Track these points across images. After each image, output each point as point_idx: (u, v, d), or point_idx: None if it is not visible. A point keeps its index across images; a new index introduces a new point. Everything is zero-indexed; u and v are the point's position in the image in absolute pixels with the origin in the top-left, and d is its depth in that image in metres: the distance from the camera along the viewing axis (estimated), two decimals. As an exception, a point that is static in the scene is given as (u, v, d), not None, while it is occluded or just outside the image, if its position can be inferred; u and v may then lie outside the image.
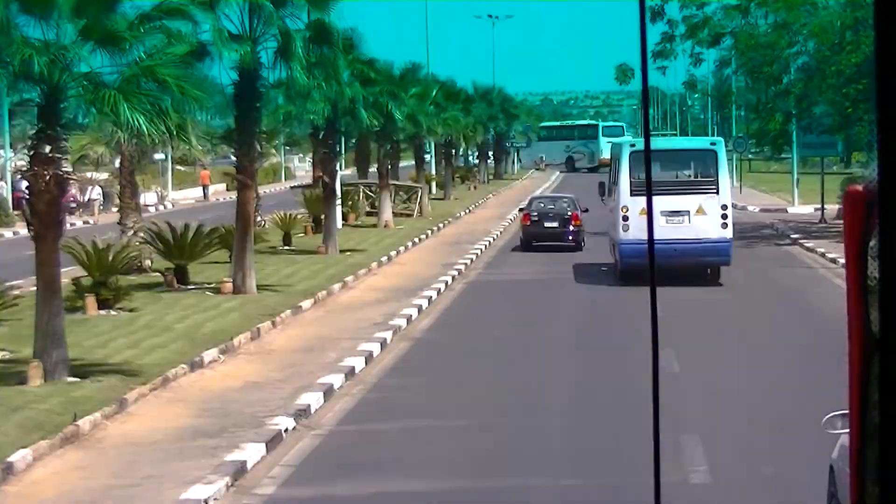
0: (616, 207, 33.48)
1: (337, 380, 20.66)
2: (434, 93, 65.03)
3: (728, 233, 32.88)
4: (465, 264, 39.51)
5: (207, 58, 29.63)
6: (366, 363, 22.58)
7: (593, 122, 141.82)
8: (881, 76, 1.88)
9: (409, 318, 27.94)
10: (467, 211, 65.14)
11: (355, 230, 50.65)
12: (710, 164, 33.08)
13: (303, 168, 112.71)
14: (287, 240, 43.83)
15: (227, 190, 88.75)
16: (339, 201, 50.51)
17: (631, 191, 32.56)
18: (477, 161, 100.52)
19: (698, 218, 32.52)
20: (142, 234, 34.01)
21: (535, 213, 44.70)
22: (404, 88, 52.87)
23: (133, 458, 15.78)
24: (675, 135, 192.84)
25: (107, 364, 21.01)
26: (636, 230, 32.04)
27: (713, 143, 34.86)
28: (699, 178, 33.19)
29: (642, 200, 32.14)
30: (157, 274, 32.91)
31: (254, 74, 30.58)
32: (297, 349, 23.92)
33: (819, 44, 48.30)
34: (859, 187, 2.13)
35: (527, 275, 37.11)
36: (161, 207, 74.26)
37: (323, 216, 47.66)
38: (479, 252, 43.41)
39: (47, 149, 19.70)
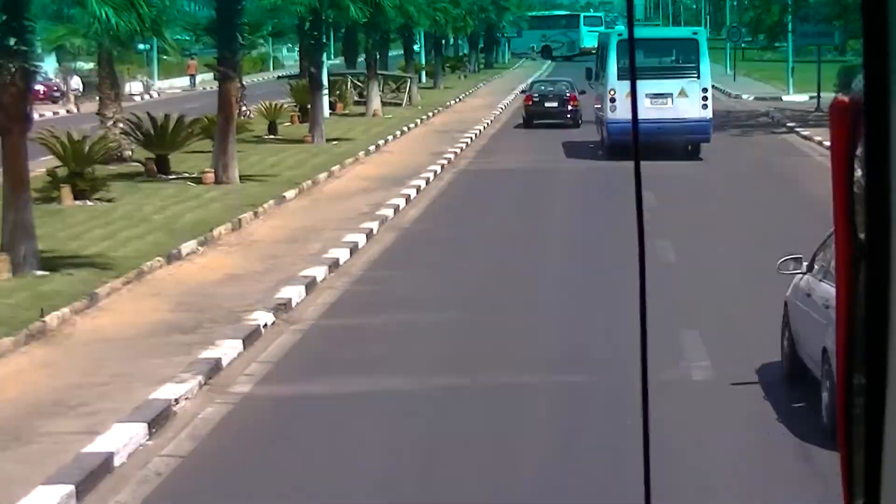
0: (604, 90, 36.30)
1: (320, 272, 19.81)
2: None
3: (708, 113, 35.81)
4: (455, 153, 38.56)
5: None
6: (350, 254, 21.72)
7: (574, 12, 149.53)
8: None
9: (396, 209, 27.06)
10: (457, 100, 63.98)
11: (343, 119, 49.58)
12: (692, 52, 36.06)
13: (291, 58, 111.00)
14: (273, 129, 42.80)
15: (215, 79, 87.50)
16: (325, 91, 49.43)
17: (618, 75, 35.48)
18: (467, 51, 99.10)
19: (681, 100, 35.44)
20: (121, 125, 32.97)
21: (537, 95, 47.99)
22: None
23: (102, 355, 14.95)
24: (659, 24, 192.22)
25: (79, 257, 20.11)
26: (622, 111, 34.84)
27: (695, 33, 38.45)
28: (682, 65, 36.24)
29: (629, 84, 31.39)
30: (138, 164, 31.95)
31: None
32: (279, 240, 23.05)
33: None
34: (845, 98, 2.05)
35: (518, 163, 36.19)
36: (147, 97, 73.06)
37: (310, 106, 46.74)
38: (469, 140, 42.43)
39: (12, 41, 18.69)
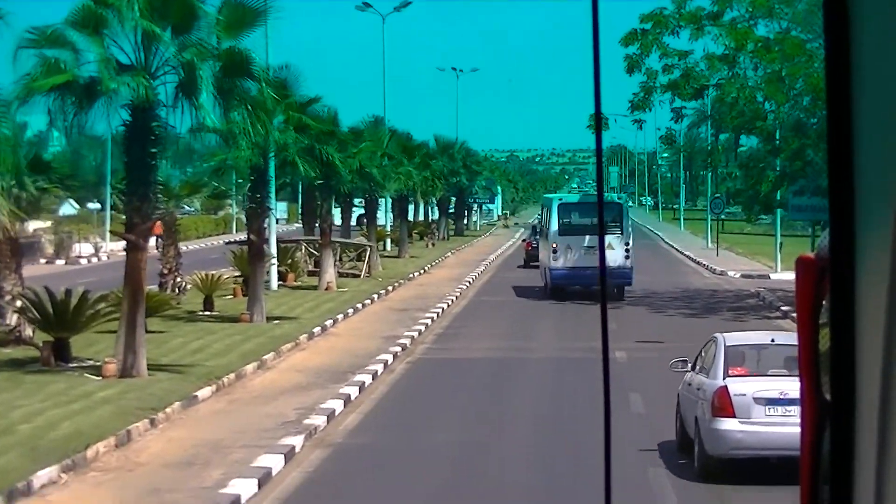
0: (547, 244, 45.56)
1: (208, 521, 14.98)
2: (386, 144, 59.53)
3: (629, 263, 44.11)
4: (412, 337, 33.87)
5: (97, 94, 24.40)
6: (258, 488, 16.86)
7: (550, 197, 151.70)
8: (832, 146, 1.94)
9: (330, 415, 22.26)
10: (422, 271, 59.39)
11: (292, 293, 44.88)
12: (617, 214, 44.80)
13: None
14: (208, 304, 38.06)
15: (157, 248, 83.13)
16: (273, 261, 44.88)
17: (559, 231, 44.59)
18: (436, 217, 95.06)
19: (609, 251, 42.46)
20: (19, 301, 28.23)
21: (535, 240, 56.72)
22: (354, 140, 47.32)
23: None
24: (634, 193, 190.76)
25: None
26: (562, 260, 44.21)
27: (619, 198, 50.65)
28: (609, 224, 43.82)
29: (567, 238, 44.08)
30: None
31: (148, 113, 24.99)
32: (171, 463, 18.14)
33: (816, 98, 42.92)
34: (811, 255, 2.07)
35: (483, 350, 31.55)
36: (95, 259, 68.68)
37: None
38: (429, 322, 37.78)
39: None
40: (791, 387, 16.61)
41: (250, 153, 33.41)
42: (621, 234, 44.10)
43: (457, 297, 46.54)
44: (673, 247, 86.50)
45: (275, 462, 18.12)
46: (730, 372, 17.21)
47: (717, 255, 72.85)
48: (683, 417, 18.37)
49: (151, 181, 25.30)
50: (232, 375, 25.73)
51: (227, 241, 55.37)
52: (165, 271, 39.92)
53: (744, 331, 34.46)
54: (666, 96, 44.87)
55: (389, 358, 29.63)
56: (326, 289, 45.96)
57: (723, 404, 16.86)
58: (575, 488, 16.51)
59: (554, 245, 44.22)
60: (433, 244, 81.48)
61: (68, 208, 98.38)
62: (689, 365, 18.75)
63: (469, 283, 53.52)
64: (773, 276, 57.73)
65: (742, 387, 17.03)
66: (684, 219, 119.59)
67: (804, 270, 2.04)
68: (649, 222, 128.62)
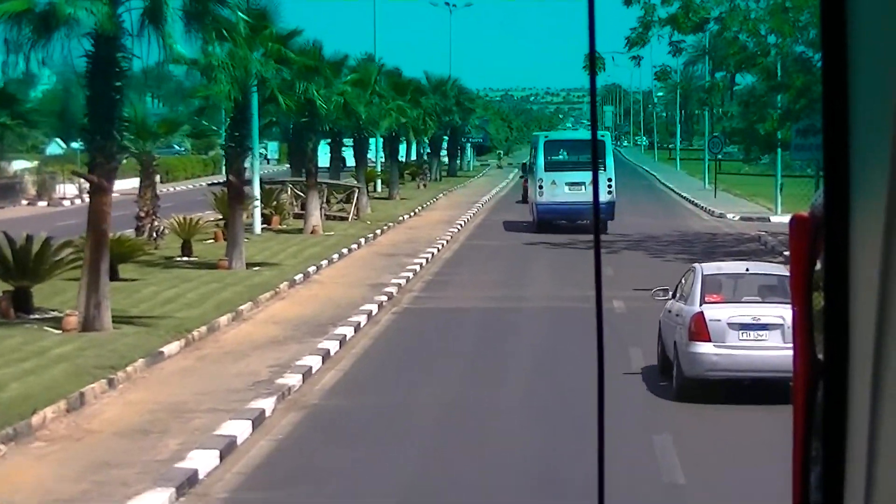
0: (534, 179, 47.42)
1: (159, 500, 13.26)
2: (373, 80, 57.52)
3: (612, 197, 44.95)
4: (399, 284, 32.16)
5: (55, 22, 22.53)
6: (220, 460, 15.15)
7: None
8: (827, 97, 1.97)
9: (306, 373, 20.54)
10: (413, 213, 57.62)
11: (276, 237, 43.10)
12: (601, 150, 44.59)
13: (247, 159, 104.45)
14: (187, 249, 36.29)
15: (162, 182, 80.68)
16: (257, 203, 43.14)
17: (545, 168, 46.28)
18: (428, 157, 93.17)
19: (591, 187, 45.77)
20: (-22, 247, 26.42)
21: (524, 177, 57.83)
22: (336, 73, 45.33)
23: None
24: (629, 132, 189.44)
25: None
26: (549, 195, 45.84)
27: (602, 135, 51.16)
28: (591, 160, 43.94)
29: (552, 174, 45.88)
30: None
31: (112, 44, 23.11)
32: (125, 431, 16.41)
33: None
34: (805, 213, 2.06)
35: (472, 300, 29.87)
36: (78, 201, 66.78)
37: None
38: (417, 268, 36.07)
39: None
40: (763, 312, 18.06)
41: (230, 87, 31.58)
42: (604, 169, 45.18)
43: (447, 241, 44.81)
44: (669, 188, 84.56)
45: (241, 429, 16.41)
46: (706, 299, 18.24)
47: (715, 196, 71.01)
48: (664, 342, 19.74)
49: (115, 117, 23.42)
50: (203, 328, 23.99)
51: (209, 182, 53.33)
52: (143, 214, 38.15)
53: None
54: (665, 31, 43.06)
55: (374, 308, 27.92)
56: (312, 232, 44.19)
57: (699, 329, 18.02)
58: (571, 454, 14.77)
59: (540, 181, 46.30)
60: (425, 185, 79.58)
61: (56, 148, 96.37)
62: (671, 293, 20.00)
63: (461, 226, 51.78)
64: (773, 219, 55.97)
65: (717, 313, 18.24)
66: (680, 159, 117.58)
67: (798, 228, 2.03)
68: (645, 162, 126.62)
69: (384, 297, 29.62)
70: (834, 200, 1.95)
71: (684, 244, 44.22)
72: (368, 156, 75.57)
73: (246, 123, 33.21)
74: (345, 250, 39.46)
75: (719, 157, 79.70)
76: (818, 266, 2.02)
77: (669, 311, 19.55)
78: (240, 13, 25.85)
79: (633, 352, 21.84)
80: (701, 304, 18.29)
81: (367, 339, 24.78)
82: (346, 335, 24.27)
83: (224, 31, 24.75)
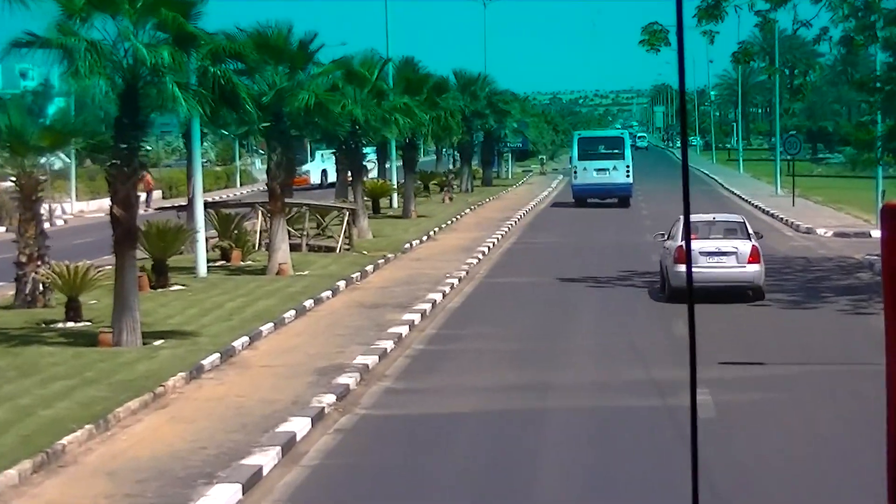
0: (571, 167, 66.03)
1: None
2: (376, 76, 46.52)
3: (630, 180, 62.56)
4: (366, 366, 21.17)
5: None
6: None
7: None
8: None
9: None
10: (426, 237, 46.38)
11: (226, 281, 31.94)
12: (621, 144, 64.12)
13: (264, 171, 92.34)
14: (73, 311, 25.26)
15: (164, 198, 70.03)
16: (199, 236, 32.33)
17: (578, 157, 63.23)
18: (455, 165, 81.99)
19: (615, 172, 62.10)
20: None
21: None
22: (303, 62, 34.18)
23: None
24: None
25: None
26: (581, 178, 62.96)
27: (621, 133, 72.04)
28: (614, 151, 62.89)
29: (584, 162, 62.95)
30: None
31: None
32: None
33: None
34: None
35: (472, 393, 18.89)
36: (47, 225, 55.77)
37: (169, 256, 30.25)
38: (406, 329, 25.09)
39: None
40: (723, 245, 28.49)
41: (98, 80, 20.80)
42: (623, 158, 62.40)
43: (460, 279, 33.82)
44: (735, 194, 72.90)
45: None
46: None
47: (794, 204, 59.53)
48: (662, 267, 29.64)
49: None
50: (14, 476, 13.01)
51: (178, 205, 41.71)
52: (23, 260, 27.32)
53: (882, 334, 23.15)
54: (743, 1, 32.24)
55: (303, 427, 16.81)
56: (278, 273, 33.05)
57: (680, 256, 27.51)
58: None
59: (575, 168, 63.71)
60: (451, 198, 68.28)
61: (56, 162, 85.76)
62: (666, 236, 30.03)
63: (483, 254, 40.75)
64: (875, 234, 44.41)
65: (693, 245, 26.82)
66: (742, 160, 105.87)
67: (890, 219, 1.91)
68: (702, 164, 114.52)
69: (332, 397, 18.57)
70: None
71: (775, 275, 32.85)
72: (386, 166, 64.77)
73: (137, 130, 22.10)
74: (309, 302, 28.34)
75: (786, 157, 67.93)
76: None
77: (665, 248, 29.57)
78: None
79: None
80: (682, 240, 25.64)
81: (277, 493, 13.74)
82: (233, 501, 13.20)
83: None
